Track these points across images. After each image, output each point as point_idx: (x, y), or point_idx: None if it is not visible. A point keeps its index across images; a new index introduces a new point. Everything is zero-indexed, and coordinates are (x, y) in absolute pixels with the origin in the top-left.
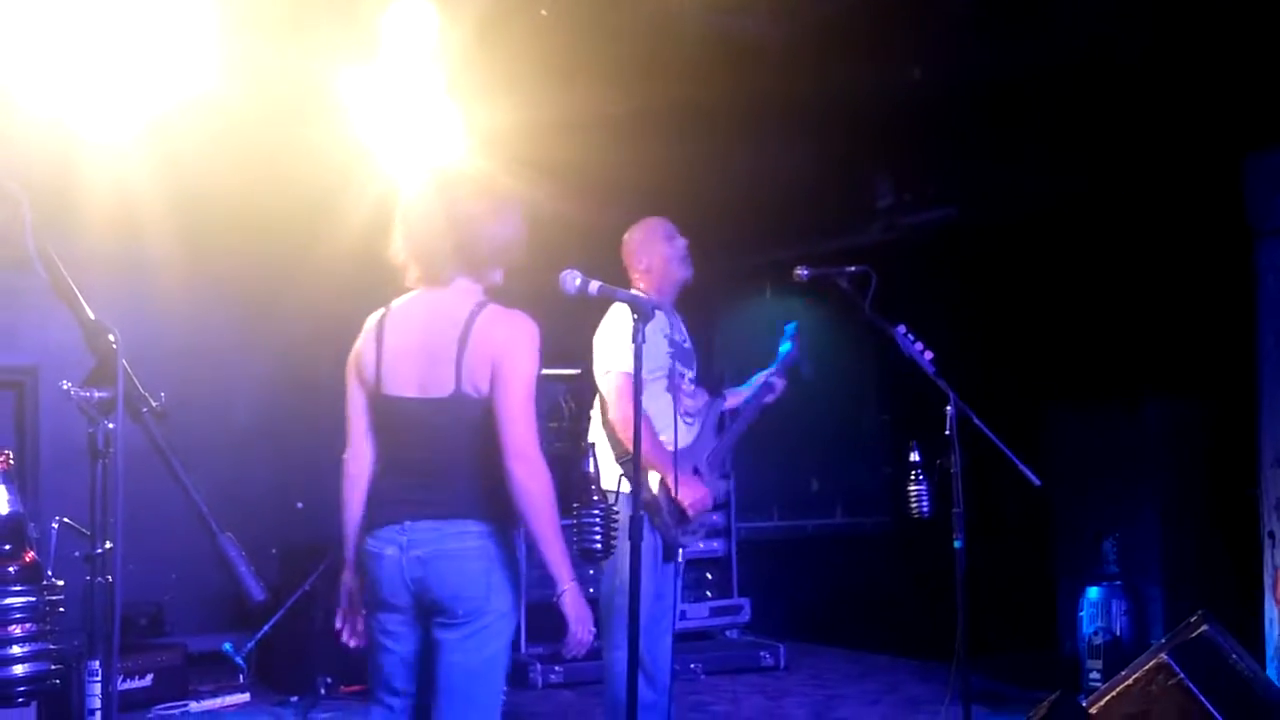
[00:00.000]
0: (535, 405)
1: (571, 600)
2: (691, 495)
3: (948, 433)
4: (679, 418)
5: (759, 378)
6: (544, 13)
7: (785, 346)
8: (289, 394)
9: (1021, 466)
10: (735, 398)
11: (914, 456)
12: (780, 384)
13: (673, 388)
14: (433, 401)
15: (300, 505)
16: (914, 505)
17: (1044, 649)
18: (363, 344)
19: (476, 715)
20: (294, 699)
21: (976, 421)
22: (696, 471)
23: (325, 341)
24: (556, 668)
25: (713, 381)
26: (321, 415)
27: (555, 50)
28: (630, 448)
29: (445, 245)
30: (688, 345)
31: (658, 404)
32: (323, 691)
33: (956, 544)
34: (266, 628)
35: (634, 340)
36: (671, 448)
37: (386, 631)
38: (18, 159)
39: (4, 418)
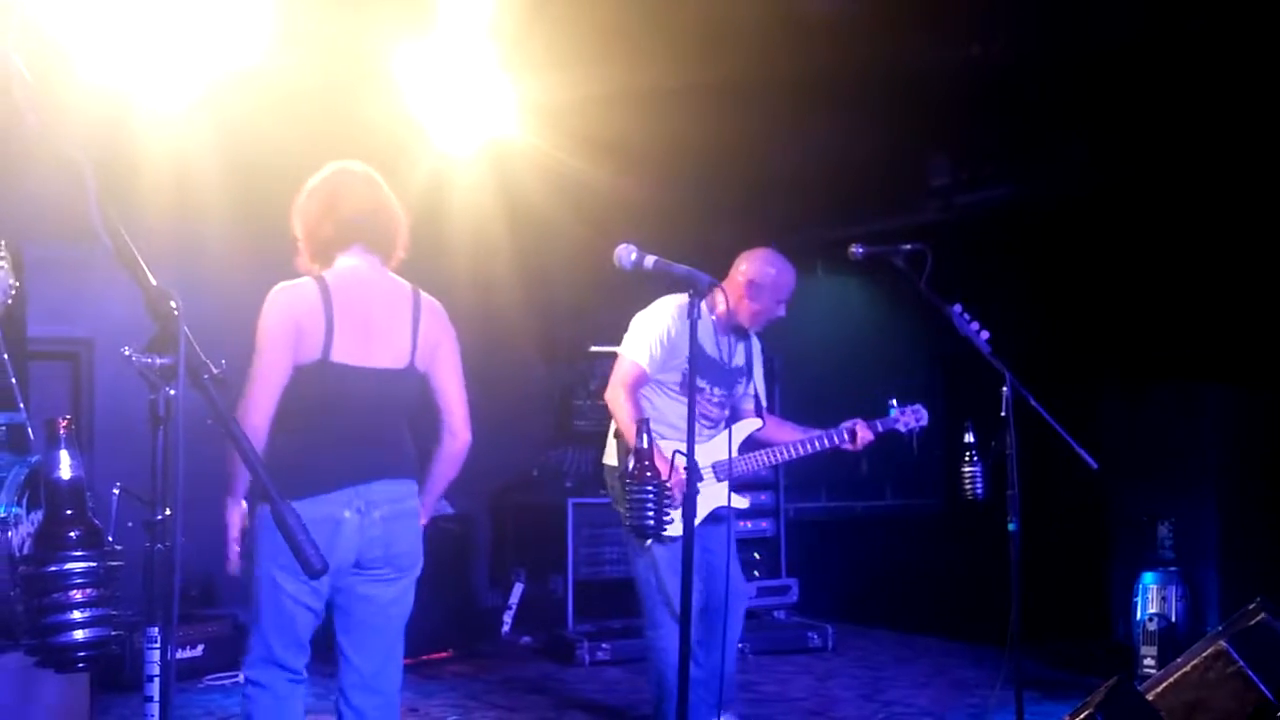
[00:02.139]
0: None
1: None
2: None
3: (1003, 414)
4: (697, 421)
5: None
6: None
7: (903, 426)
8: None
9: (1078, 449)
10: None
11: (968, 437)
12: (864, 441)
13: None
14: (387, 372)
15: None
16: (968, 487)
17: (1097, 635)
18: (303, 311)
19: (400, 654)
20: None
21: (1033, 403)
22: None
23: None
24: (604, 645)
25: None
26: None
27: (612, 24)
28: (617, 425)
29: (388, 225)
30: (729, 364)
31: (661, 399)
32: None
33: (1011, 527)
34: None
35: (689, 317)
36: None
37: (312, 597)
38: (77, 129)
39: (61, 389)
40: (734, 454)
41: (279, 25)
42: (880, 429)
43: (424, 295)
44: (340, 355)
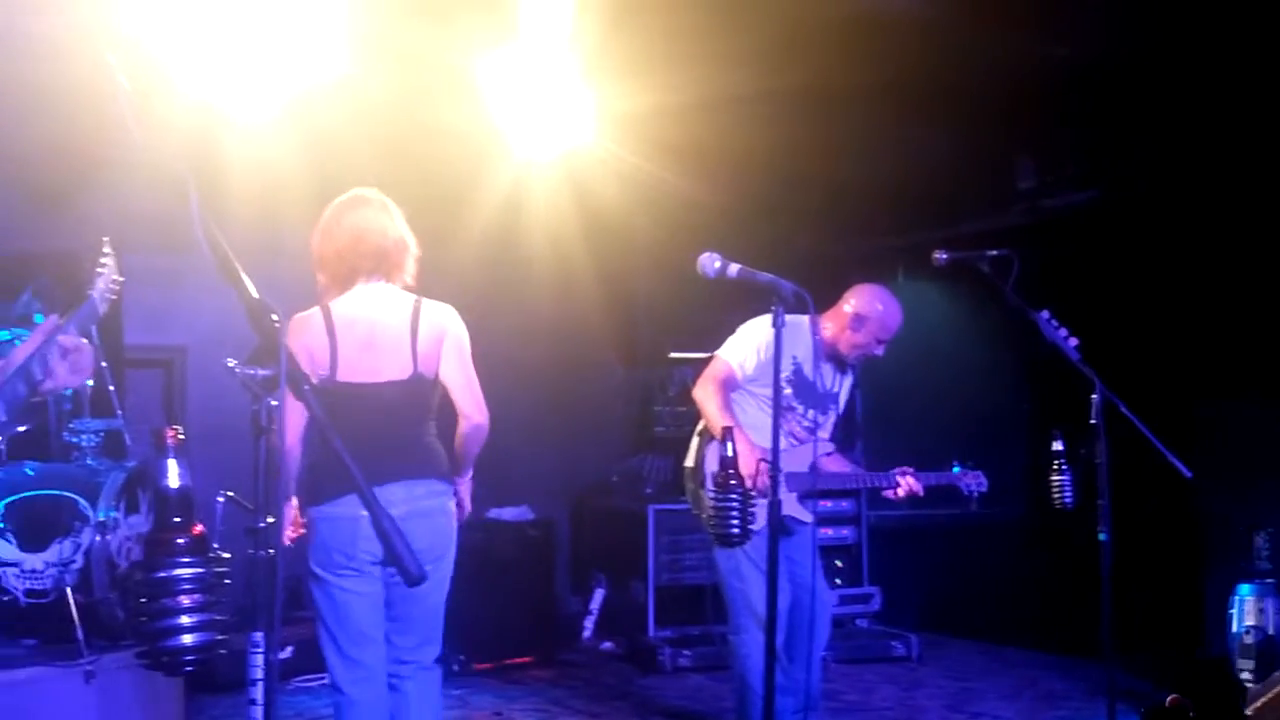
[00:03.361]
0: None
1: (466, 486)
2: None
3: (1093, 421)
4: (784, 435)
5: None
6: None
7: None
8: None
9: (1171, 457)
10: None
11: (1057, 446)
12: (910, 490)
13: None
14: (393, 384)
15: None
16: (1057, 496)
17: (1190, 647)
18: (310, 339)
19: (439, 638)
20: None
21: (1124, 409)
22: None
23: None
24: (685, 651)
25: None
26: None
27: (691, 31)
28: (704, 418)
29: (401, 256)
30: (824, 390)
31: (754, 411)
32: (455, 669)
33: (1101, 537)
34: None
35: (774, 324)
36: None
37: (358, 585)
38: (177, 140)
39: (153, 395)
40: (799, 472)
41: (362, 37)
42: (934, 482)
43: (425, 303)
44: (345, 375)
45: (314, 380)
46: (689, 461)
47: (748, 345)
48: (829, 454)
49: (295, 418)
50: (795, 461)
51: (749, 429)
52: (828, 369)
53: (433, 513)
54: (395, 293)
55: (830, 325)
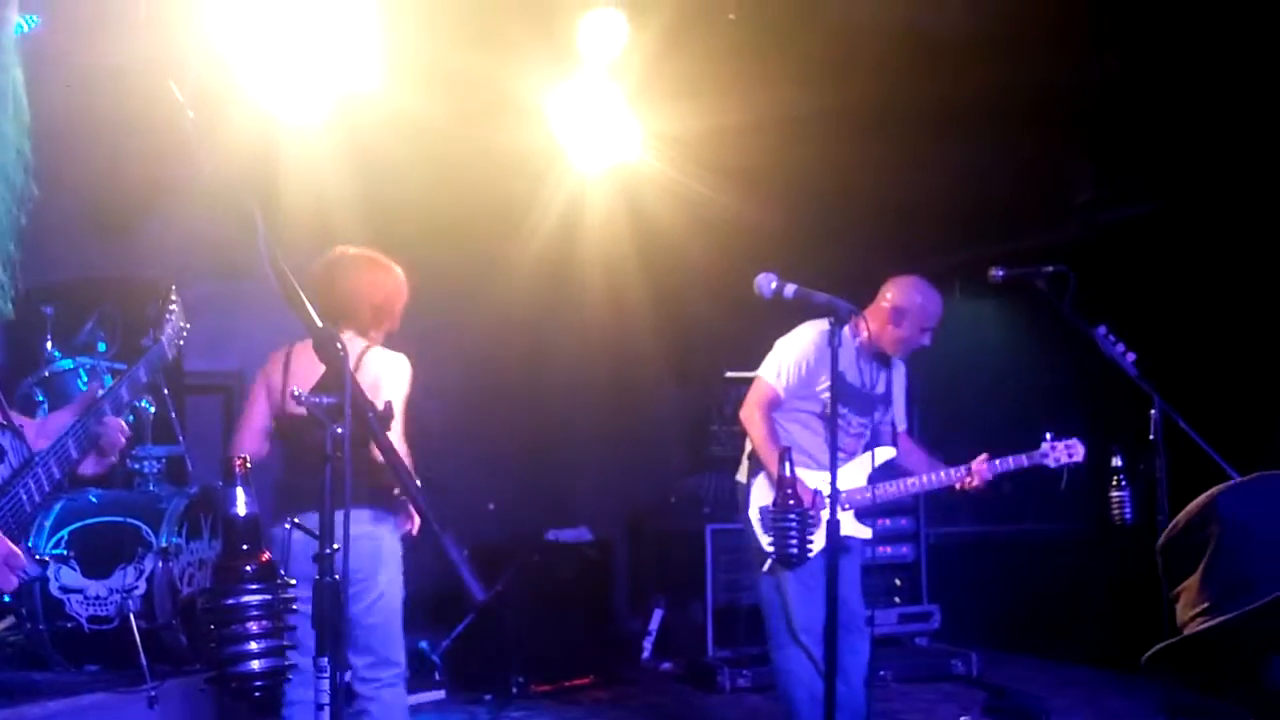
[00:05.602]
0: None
1: None
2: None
3: (1152, 437)
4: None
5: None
6: (732, 16)
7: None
8: (478, 398)
9: (1232, 472)
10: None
11: (1116, 461)
12: (983, 480)
13: (824, 419)
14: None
15: (491, 506)
16: (1116, 512)
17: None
18: (272, 371)
19: (397, 657)
20: (487, 697)
21: (1182, 424)
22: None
23: (512, 347)
24: (744, 671)
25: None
26: (511, 418)
27: (742, 53)
28: (752, 443)
29: (346, 307)
30: (870, 392)
31: (798, 430)
32: (515, 690)
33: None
34: (461, 627)
35: (830, 344)
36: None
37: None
38: (242, 165)
39: (213, 421)
40: (868, 484)
41: (416, 64)
42: (1012, 467)
43: (371, 352)
44: (291, 407)
45: (273, 411)
46: (739, 476)
47: (785, 361)
48: (909, 451)
49: (241, 436)
50: (850, 477)
51: (796, 453)
52: (870, 369)
53: (356, 538)
54: (349, 337)
55: (871, 324)
